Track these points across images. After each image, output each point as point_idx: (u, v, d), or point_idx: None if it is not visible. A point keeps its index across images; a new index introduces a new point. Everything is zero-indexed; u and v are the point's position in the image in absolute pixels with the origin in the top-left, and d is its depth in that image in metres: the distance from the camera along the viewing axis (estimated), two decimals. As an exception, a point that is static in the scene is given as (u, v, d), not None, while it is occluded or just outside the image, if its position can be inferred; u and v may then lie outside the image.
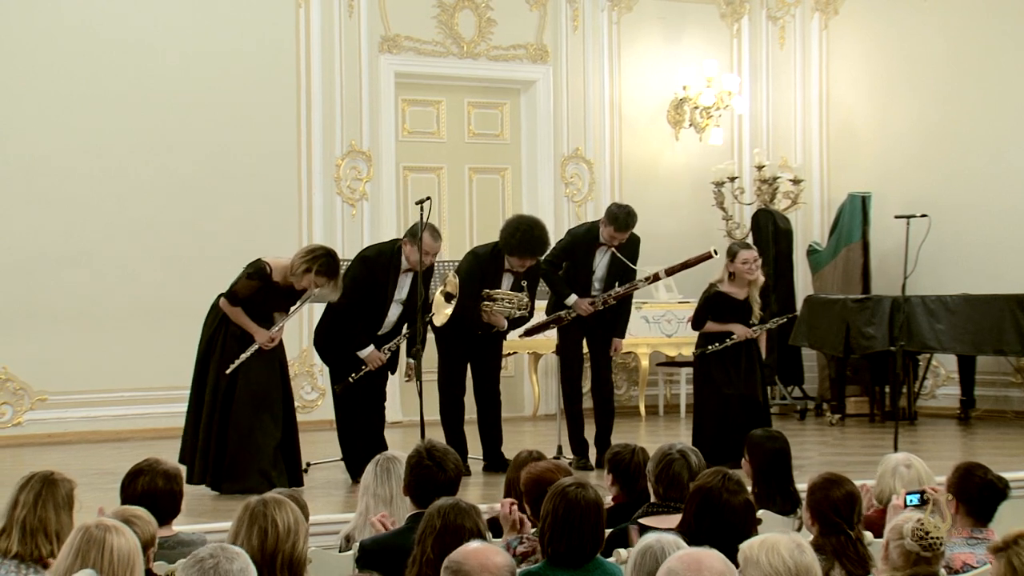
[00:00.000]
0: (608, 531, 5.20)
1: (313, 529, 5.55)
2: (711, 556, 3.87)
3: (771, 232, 14.11)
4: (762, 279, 10.18)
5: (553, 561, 4.83)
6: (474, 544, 4.25)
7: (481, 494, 8.54)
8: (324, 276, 8.88)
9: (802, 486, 6.15)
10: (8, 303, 11.64)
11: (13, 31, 11.78)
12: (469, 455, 9.78)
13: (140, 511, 5.07)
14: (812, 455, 10.56)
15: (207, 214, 12.32)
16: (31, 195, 11.77)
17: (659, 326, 13.59)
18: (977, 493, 5.79)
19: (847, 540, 5.26)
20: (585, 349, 10.45)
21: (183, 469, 8.35)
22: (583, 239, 10.29)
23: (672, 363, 13.91)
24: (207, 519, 7.56)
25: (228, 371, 8.84)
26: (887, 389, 13.15)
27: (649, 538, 4.32)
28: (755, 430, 7.06)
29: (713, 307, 10.13)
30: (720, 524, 5.00)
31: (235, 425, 8.84)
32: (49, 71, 11.83)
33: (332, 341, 9.54)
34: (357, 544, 5.54)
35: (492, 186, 14.05)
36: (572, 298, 10.14)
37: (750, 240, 13.76)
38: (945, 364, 13.70)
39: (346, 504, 8.31)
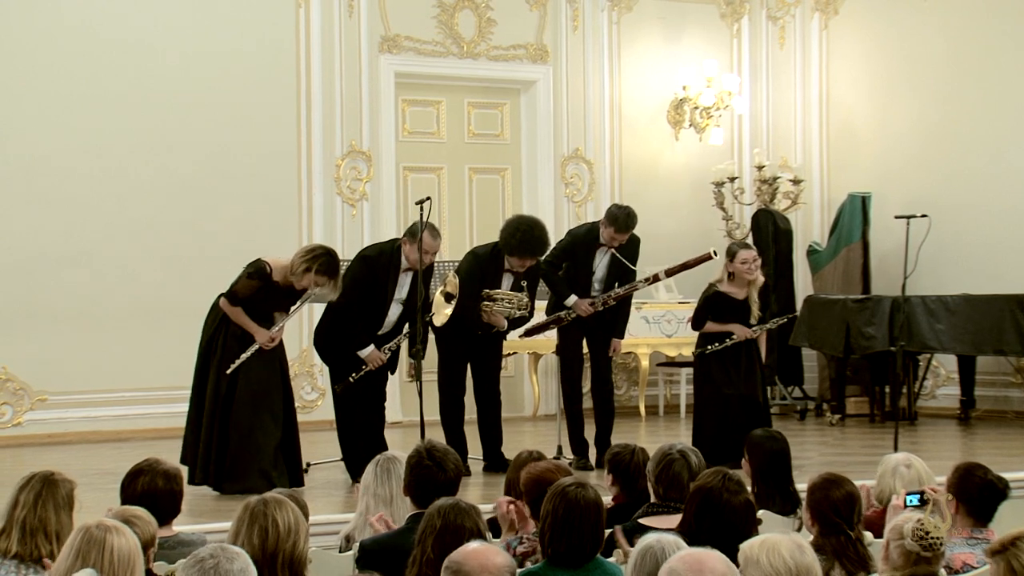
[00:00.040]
0: (608, 531, 5.20)
1: (313, 529, 5.55)
2: (713, 557, 3.87)
3: (771, 232, 14.11)
4: (761, 279, 10.17)
5: (553, 561, 4.83)
6: (474, 544, 4.26)
7: (481, 494, 8.54)
8: (324, 275, 8.88)
9: (802, 486, 6.15)
10: (8, 303, 11.65)
11: (13, 31, 11.78)
12: (469, 455, 9.78)
13: (140, 511, 5.07)
14: (812, 455, 10.56)
15: (207, 214, 12.32)
16: (31, 195, 11.77)
17: (659, 326, 13.59)
18: (977, 493, 5.79)
19: (847, 540, 5.26)
20: (585, 349, 10.45)
21: (184, 469, 8.39)
22: (583, 240, 10.29)
23: (672, 363, 13.91)
24: (208, 519, 7.56)
25: (228, 371, 8.85)
26: (887, 389, 13.15)
27: (649, 538, 4.32)
28: (755, 430, 7.06)
29: (713, 307, 10.13)
30: (720, 524, 5.00)
31: (235, 425, 8.84)
32: (49, 71, 11.83)
33: (332, 341, 9.54)
34: (357, 544, 5.54)
35: (492, 186, 14.05)
36: (572, 299, 10.14)
37: (750, 240, 13.76)
38: (945, 364, 13.70)
39: (346, 504, 8.30)
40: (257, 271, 8.93)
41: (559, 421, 10.49)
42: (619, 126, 14.40)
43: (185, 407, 9.19)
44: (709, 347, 10.08)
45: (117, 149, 12.06)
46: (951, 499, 5.77)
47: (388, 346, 9.45)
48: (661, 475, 5.87)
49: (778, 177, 14.53)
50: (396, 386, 11.76)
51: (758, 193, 14.57)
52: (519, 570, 4.58)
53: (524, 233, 9.65)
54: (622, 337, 10.47)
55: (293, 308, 9.11)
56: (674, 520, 5.37)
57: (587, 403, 10.42)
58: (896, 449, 8.82)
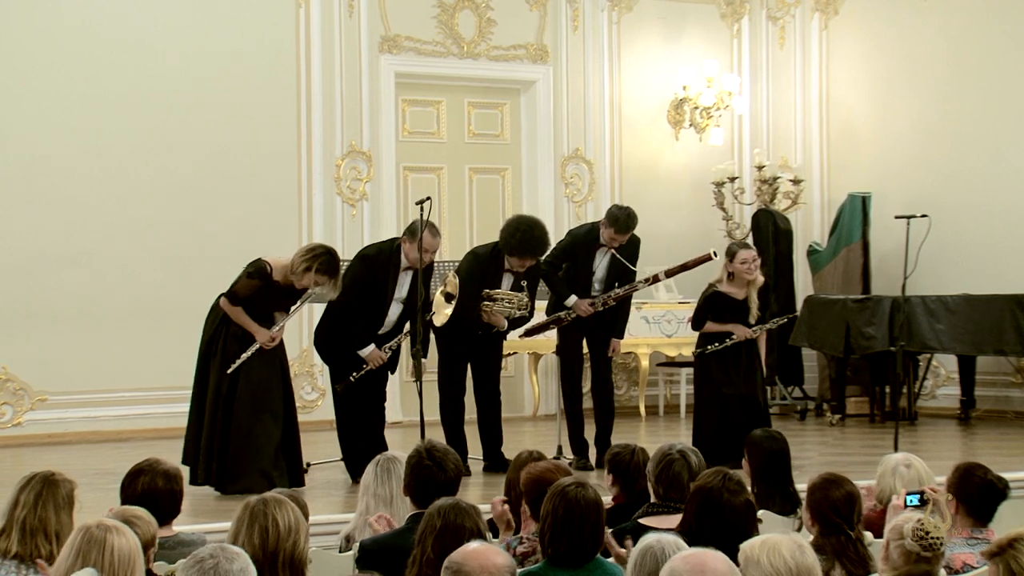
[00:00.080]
0: (608, 531, 5.19)
1: (313, 529, 5.55)
2: (715, 557, 3.86)
3: (771, 232, 14.10)
4: (761, 279, 10.17)
5: (553, 561, 4.83)
6: (474, 544, 4.25)
7: (481, 494, 8.53)
8: (324, 275, 8.88)
9: (802, 486, 6.15)
10: (8, 303, 11.65)
11: (13, 31, 11.78)
12: (469, 455, 9.78)
13: (141, 511, 5.07)
14: (812, 455, 10.56)
15: (207, 214, 12.32)
16: (31, 195, 11.77)
17: (659, 326, 13.59)
18: (977, 493, 5.79)
19: (847, 540, 5.26)
20: (585, 349, 10.45)
21: (185, 470, 8.39)
22: (583, 240, 10.29)
23: (672, 363, 13.91)
24: (208, 519, 7.55)
25: (229, 371, 8.84)
26: (887, 389, 13.15)
27: (649, 538, 4.32)
28: (755, 430, 7.06)
29: (712, 307, 10.13)
30: (720, 524, 5.00)
31: (236, 425, 8.84)
32: (49, 71, 11.83)
33: (333, 340, 9.53)
34: (357, 544, 5.54)
35: (492, 186, 14.05)
36: (572, 299, 10.14)
37: (750, 240, 13.76)
38: (945, 364, 13.70)
39: (346, 504, 8.30)
40: (257, 271, 8.93)
41: (559, 421, 10.49)
42: (619, 126, 14.40)
43: (185, 407, 9.19)
44: (709, 347, 10.08)
45: (117, 149, 12.06)
46: (951, 499, 5.77)
47: (389, 345, 9.45)
48: (661, 475, 5.87)
49: (778, 177, 14.53)
50: (396, 386, 11.77)
51: (758, 193, 14.57)
52: (519, 570, 4.58)
53: (524, 233, 9.65)
54: (622, 337, 10.47)
55: (293, 308, 9.11)
56: (674, 520, 5.37)
57: (587, 403, 10.42)
58: (896, 449, 8.82)
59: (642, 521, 5.68)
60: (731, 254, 10.13)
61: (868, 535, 5.45)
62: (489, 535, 4.93)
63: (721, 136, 14.60)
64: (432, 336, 9.84)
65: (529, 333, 10.61)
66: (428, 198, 9.21)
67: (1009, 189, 13.33)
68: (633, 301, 10.95)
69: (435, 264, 10.04)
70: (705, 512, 5.09)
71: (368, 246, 10.08)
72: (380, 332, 9.47)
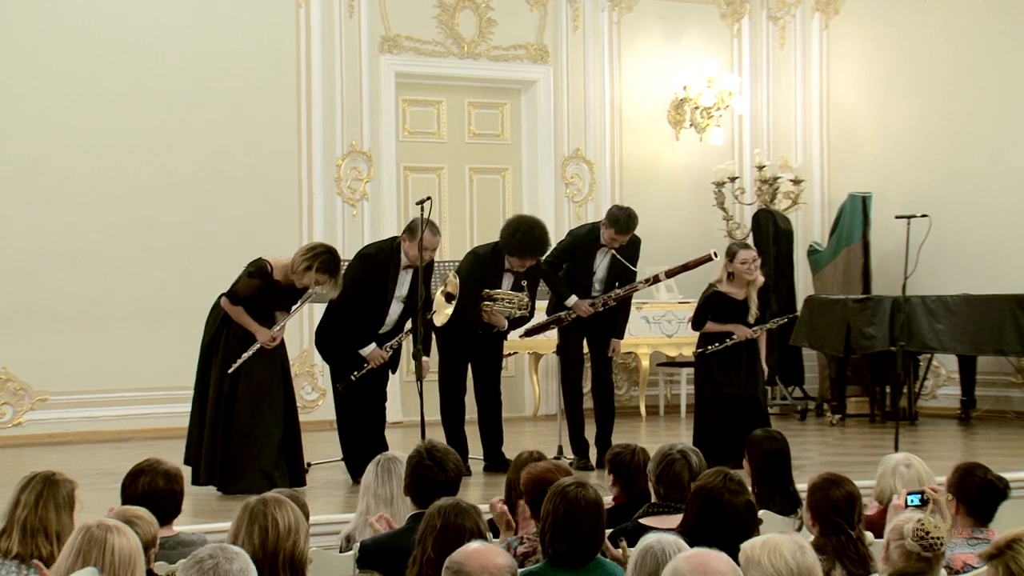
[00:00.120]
0: (609, 531, 5.19)
1: (313, 529, 5.55)
2: (717, 558, 3.86)
3: (771, 232, 14.11)
4: (761, 279, 10.17)
5: (554, 561, 4.83)
6: (475, 544, 4.25)
7: (482, 494, 8.53)
8: (325, 274, 8.88)
9: (802, 486, 6.15)
10: (8, 303, 11.65)
11: (13, 31, 11.78)
12: (470, 455, 9.77)
13: (141, 511, 5.06)
14: (812, 455, 10.56)
15: (207, 214, 12.32)
16: (31, 195, 11.77)
17: (659, 326, 13.59)
18: (977, 493, 5.79)
19: (848, 540, 5.26)
20: (585, 349, 10.45)
21: (187, 470, 8.39)
22: (584, 240, 10.29)
23: (673, 363, 13.91)
24: (209, 519, 7.55)
25: (230, 371, 8.84)
26: (888, 389, 13.15)
27: (650, 538, 4.32)
28: (755, 430, 7.06)
29: (713, 307, 10.13)
30: (721, 524, 5.00)
31: (237, 425, 8.84)
32: (49, 71, 11.83)
33: (334, 340, 9.53)
34: (357, 544, 5.54)
35: (492, 186, 14.05)
36: (572, 299, 10.14)
37: (750, 240, 13.76)
38: (946, 364, 13.70)
39: (346, 504, 8.30)
40: (258, 270, 8.93)
41: (559, 421, 10.49)
42: (619, 126, 14.40)
43: (185, 407, 9.19)
44: (709, 347, 10.08)
45: (117, 149, 12.06)
46: (951, 499, 5.77)
47: (389, 344, 9.45)
48: (662, 475, 5.87)
49: (778, 177, 14.53)
50: (397, 386, 11.76)
51: (758, 193, 14.57)
52: (520, 570, 4.58)
53: (524, 233, 9.65)
54: (622, 337, 10.47)
55: (294, 307, 9.10)
56: (675, 520, 5.37)
57: (587, 403, 10.42)
58: (896, 449, 8.82)
59: (643, 521, 5.68)
60: (731, 254, 10.13)
61: (869, 535, 5.44)
62: (490, 535, 4.92)
63: (721, 136, 14.60)
64: (433, 336, 9.84)
65: (529, 333, 10.60)
66: (428, 198, 9.21)
67: (1009, 189, 13.33)
68: (633, 301, 10.95)
69: (435, 264, 10.04)
70: (706, 512, 5.09)
71: (368, 245, 10.09)
72: (381, 331, 9.47)
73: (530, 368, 13.88)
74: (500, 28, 13.77)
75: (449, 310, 9.47)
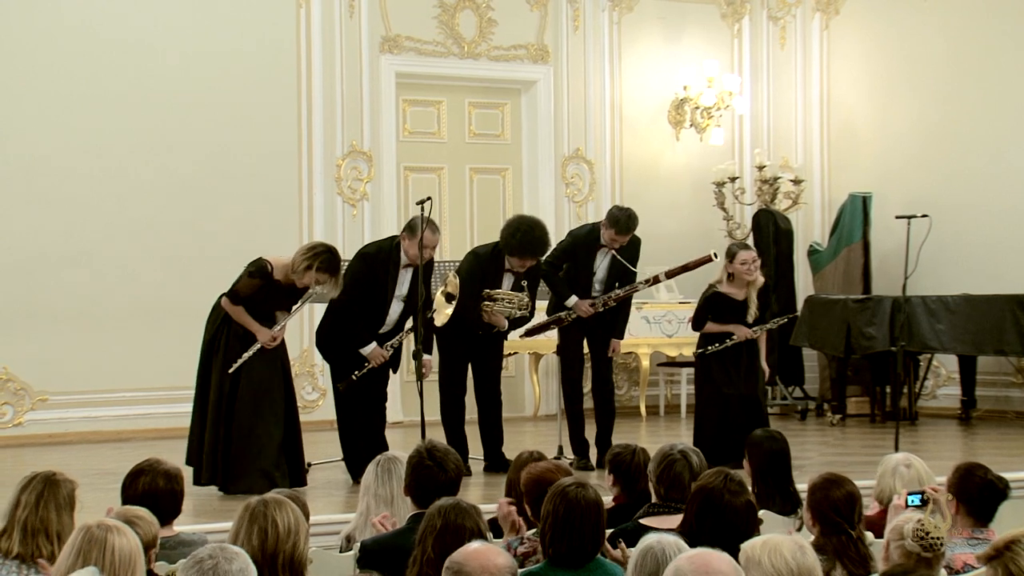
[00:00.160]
0: (609, 531, 5.19)
1: (314, 529, 5.55)
2: (720, 558, 3.86)
3: (772, 232, 14.10)
4: (761, 280, 10.17)
5: (554, 561, 4.83)
6: (475, 544, 4.25)
7: (482, 494, 8.54)
8: (325, 273, 8.87)
9: (803, 486, 6.15)
10: (8, 303, 11.65)
11: (13, 31, 11.78)
12: (470, 455, 9.77)
13: (142, 512, 5.06)
14: (813, 455, 10.55)
15: (207, 214, 12.31)
16: (31, 195, 11.77)
17: (660, 326, 13.59)
18: (977, 493, 5.79)
19: (848, 540, 5.26)
20: (586, 349, 10.45)
21: (189, 470, 8.40)
22: (584, 240, 10.29)
23: (673, 363, 13.91)
24: (210, 519, 7.55)
25: (231, 370, 8.84)
26: (888, 389, 13.15)
27: (650, 539, 4.32)
28: (756, 430, 7.07)
29: (713, 308, 10.14)
30: (721, 525, 4.99)
31: (237, 425, 8.84)
32: (49, 71, 11.83)
33: (334, 339, 9.53)
34: (358, 544, 5.54)
35: (493, 186, 14.05)
36: (572, 299, 10.14)
37: (751, 240, 13.76)
38: (946, 364, 13.70)
39: (347, 504, 8.30)
40: (258, 270, 8.93)
41: (560, 421, 10.49)
42: (620, 126, 14.40)
43: (185, 407, 9.19)
44: (709, 347, 10.09)
45: (117, 149, 12.06)
46: (951, 499, 5.76)
47: (390, 343, 9.45)
48: (662, 475, 5.87)
49: (779, 177, 14.53)
50: (397, 386, 11.76)
51: (759, 193, 14.57)
52: (520, 570, 4.58)
53: (524, 233, 9.65)
54: (622, 337, 10.47)
55: (295, 307, 9.10)
56: (675, 520, 5.36)
57: (588, 403, 10.42)
58: (897, 449, 8.82)
59: (643, 521, 5.68)
60: (731, 255, 10.14)
61: (869, 535, 5.44)
62: (490, 535, 4.92)
63: (722, 136, 14.60)
64: (433, 335, 9.83)
65: (530, 333, 10.60)
66: (429, 198, 9.21)
67: (1009, 189, 13.33)
68: (634, 301, 10.95)
69: (435, 264, 10.04)
70: (706, 512, 5.08)
71: (368, 244, 10.09)
72: (382, 331, 9.47)
73: (530, 368, 13.88)
74: (500, 28, 13.77)
75: (449, 310, 9.47)
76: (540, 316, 10.38)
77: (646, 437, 11.98)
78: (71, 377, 11.79)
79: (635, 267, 10.27)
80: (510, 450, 9.24)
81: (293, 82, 12.76)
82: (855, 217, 14.06)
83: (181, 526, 5.85)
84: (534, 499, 5.61)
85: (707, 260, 10.31)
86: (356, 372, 9.36)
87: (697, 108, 14.47)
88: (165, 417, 11.61)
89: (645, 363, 13.67)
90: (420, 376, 9.23)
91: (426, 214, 9.05)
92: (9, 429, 11.71)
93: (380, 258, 9.46)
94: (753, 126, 14.98)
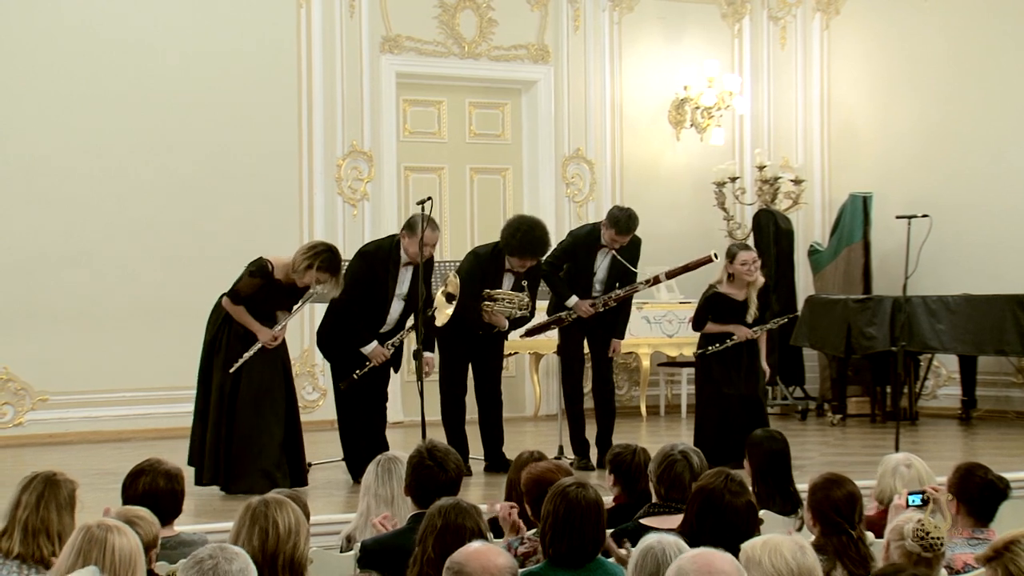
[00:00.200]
0: (609, 531, 5.19)
1: (314, 529, 5.55)
2: (722, 558, 3.85)
3: (772, 232, 14.10)
4: (761, 280, 10.17)
5: (554, 561, 4.82)
6: (476, 545, 4.25)
7: (482, 494, 8.53)
8: (326, 272, 8.87)
9: (803, 486, 6.14)
10: (8, 303, 11.64)
11: (13, 31, 11.77)
12: (470, 455, 9.77)
13: (143, 512, 5.06)
14: (813, 455, 10.55)
15: (207, 214, 12.31)
16: (31, 195, 11.76)
17: (660, 326, 13.59)
18: (978, 493, 5.79)
19: (849, 540, 5.25)
20: (586, 349, 10.44)
21: (191, 470, 8.40)
22: (584, 240, 10.29)
23: (673, 363, 13.90)
24: (211, 519, 7.55)
25: (231, 370, 8.84)
26: (888, 389, 13.15)
27: (650, 539, 4.31)
28: (756, 431, 7.07)
29: (713, 308, 10.14)
30: (722, 525, 4.99)
31: (238, 425, 8.83)
32: (49, 71, 11.83)
33: (335, 338, 9.53)
34: (358, 544, 5.54)
35: (493, 186, 14.05)
36: (573, 299, 10.14)
37: (751, 240, 13.76)
38: (946, 364, 13.70)
39: (347, 504, 8.30)
40: (259, 269, 8.92)
41: (560, 421, 10.49)
42: (620, 126, 14.40)
43: (185, 407, 9.20)
44: (710, 348, 10.09)
45: (117, 149, 12.05)
46: (952, 499, 5.76)
47: (391, 342, 9.45)
48: (663, 475, 5.87)
49: (779, 177, 14.53)
50: (397, 386, 11.75)
51: (759, 193, 14.57)
52: (520, 570, 4.57)
53: (525, 233, 9.65)
54: (622, 337, 10.47)
55: (296, 307, 9.10)
56: (675, 520, 5.36)
57: (588, 403, 10.42)
58: (897, 449, 8.82)
59: (643, 521, 5.68)
60: (731, 255, 10.14)
61: (869, 535, 5.44)
62: (490, 535, 4.92)
63: (722, 136, 14.60)
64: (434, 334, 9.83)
65: (530, 333, 10.60)
66: (429, 198, 9.20)
67: (1010, 189, 13.33)
68: (634, 301, 10.95)
69: (436, 264, 10.04)
70: (706, 513, 5.08)
71: (367, 243, 10.10)
72: (383, 330, 9.47)
73: (531, 368, 13.88)
74: (501, 28, 13.77)
75: (450, 310, 9.47)
76: (540, 316, 10.38)
77: (646, 437, 11.98)
78: (71, 377, 11.78)
79: (635, 267, 10.27)
80: (510, 450, 9.24)
81: (293, 82, 12.76)
82: (855, 217, 14.06)
83: (182, 526, 5.85)
84: (534, 499, 5.61)
85: (707, 260, 10.31)
86: (357, 371, 9.36)
87: (697, 108, 14.47)
88: (165, 417, 11.61)
89: (645, 363, 13.67)
90: (421, 375, 9.22)
91: (426, 214, 9.05)
92: (9, 429, 11.71)
93: (380, 257, 9.46)
94: (753, 126, 14.98)
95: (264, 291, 8.91)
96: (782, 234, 14.17)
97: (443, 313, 9.49)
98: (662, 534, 4.37)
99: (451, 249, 13.10)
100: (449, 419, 9.76)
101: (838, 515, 5.28)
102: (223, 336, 8.95)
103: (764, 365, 10.26)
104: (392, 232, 11.42)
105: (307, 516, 4.95)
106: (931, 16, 13.96)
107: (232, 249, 10.99)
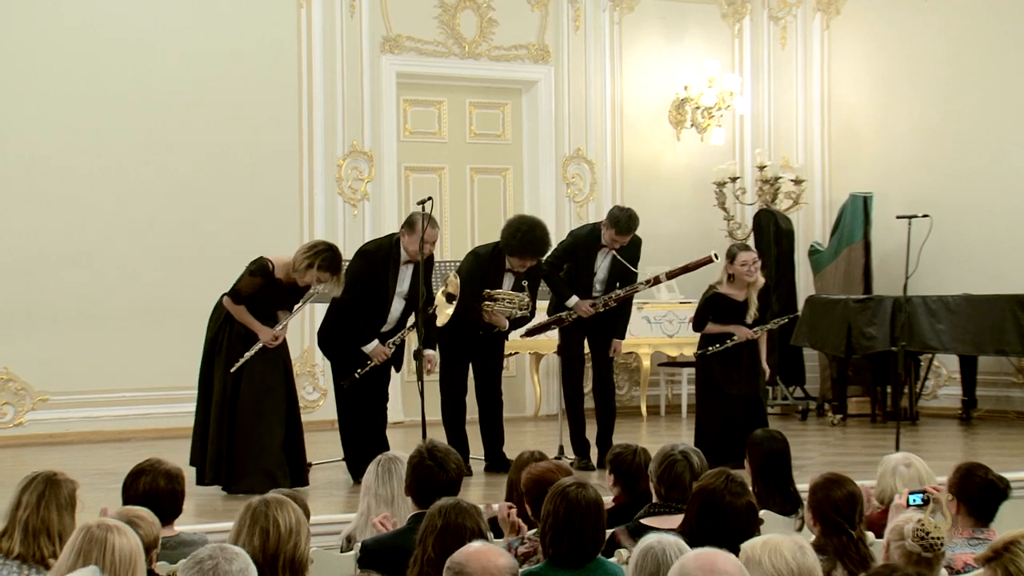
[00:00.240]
0: (609, 531, 5.19)
1: (314, 529, 5.54)
2: (725, 558, 3.85)
3: (773, 232, 14.10)
4: (762, 281, 10.18)
5: (554, 561, 4.82)
6: (476, 545, 4.25)
7: (482, 494, 8.53)
8: (327, 271, 8.87)
9: (803, 486, 6.14)
10: (8, 303, 11.64)
11: (13, 31, 11.77)
12: (471, 455, 9.77)
13: (144, 512, 5.05)
14: (813, 455, 10.55)
15: (207, 214, 12.31)
16: (31, 195, 11.76)
17: (660, 326, 13.58)
18: (978, 493, 5.79)
19: (849, 540, 5.25)
20: (586, 349, 10.44)
21: (192, 470, 8.39)
22: (584, 240, 10.29)
23: (674, 363, 13.90)
24: (212, 519, 7.55)
25: (232, 369, 8.83)
26: (888, 389, 13.15)
27: (650, 539, 4.31)
28: (756, 430, 7.07)
29: (713, 309, 10.14)
30: (722, 525, 4.99)
31: (239, 425, 8.83)
32: (49, 71, 11.83)
33: (336, 338, 9.53)
34: (358, 544, 5.54)
35: (494, 186, 14.05)
36: (573, 299, 10.14)
37: (751, 241, 13.77)
38: (947, 364, 13.70)
39: (347, 504, 8.30)
40: (259, 268, 8.92)
41: (560, 421, 10.49)
42: (620, 126, 14.40)
43: (186, 407, 9.20)
44: (710, 348, 10.09)
45: (117, 149, 12.05)
46: (952, 499, 5.76)
47: (392, 340, 9.45)
48: (663, 476, 5.86)
49: (780, 177, 14.52)
50: (397, 386, 11.75)
51: (760, 193, 14.57)
52: (520, 570, 4.57)
53: (525, 233, 9.65)
54: (623, 338, 10.47)
55: (296, 306, 9.10)
56: (676, 520, 5.36)
57: (588, 403, 10.42)
58: (897, 449, 8.81)
59: (644, 521, 5.68)
60: (731, 256, 10.14)
61: (870, 535, 5.44)
62: (491, 535, 4.92)
63: (722, 136, 14.60)
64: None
65: (530, 333, 10.60)
66: (430, 198, 9.20)
67: (1010, 189, 13.32)
68: (634, 301, 10.94)
69: (436, 263, 10.04)
70: (707, 513, 5.07)
71: (367, 242, 10.10)
72: (384, 330, 9.47)
73: (531, 368, 13.88)
74: (501, 28, 13.77)
75: (450, 310, 9.47)
76: (541, 316, 10.38)
77: (647, 437, 11.98)
78: (71, 377, 11.78)
79: (636, 267, 10.27)
80: (511, 450, 9.24)
81: (294, 82, 12.76)
82: (856, 217, 14.06)
83: (182, 526, 5.85)
84: (534, 499, 5.61)
85: (708, 261, 10.31)
86: (359, 370, 9.36)
87: (698, 108, 14.47)
88: (165, 417, 11.61)
89: (646, 363, 13.67)
90: (422, 374, 9.21)
91: (426, 212, 9.05)
92: (10, 429, 11.71)
93: (380, 255, 9.46)
94: (754, 126, 14.98)
95: (265, 290, 8.91)
96: (782, 234, 14.17)
97: (443, 313, 9.49)
98: (662, 534, 4.37)
99: (451, 249, 13.09)
100: (449, 419, 9.76)
101: (838, 515, 5.28)
102: (224, 336, 8.95)
103: (764, 365, 10.26)
104: (392, 232, 11.44)
105: (307, 516, 4.94)
106: (931, 16, 13.96)
107: (232, 249, 10.98)
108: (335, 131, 12.94)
